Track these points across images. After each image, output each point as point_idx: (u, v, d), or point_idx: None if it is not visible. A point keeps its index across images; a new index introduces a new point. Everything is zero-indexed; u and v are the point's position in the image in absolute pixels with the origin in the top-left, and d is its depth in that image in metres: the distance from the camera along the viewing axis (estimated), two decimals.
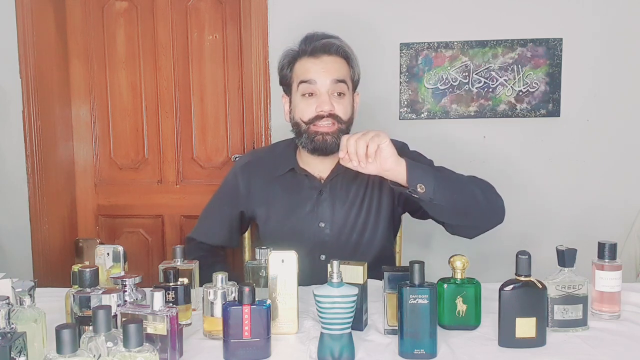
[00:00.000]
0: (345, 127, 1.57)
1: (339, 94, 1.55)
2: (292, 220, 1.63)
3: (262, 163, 1.71)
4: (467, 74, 2.26)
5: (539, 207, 2.30)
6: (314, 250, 1.60)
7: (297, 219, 1.63)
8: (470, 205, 1.46)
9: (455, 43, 2.25)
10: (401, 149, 1.69)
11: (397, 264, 1.82)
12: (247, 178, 1.69)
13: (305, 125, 1.56)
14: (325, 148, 1.55)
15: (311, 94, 1.55)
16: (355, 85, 1.63)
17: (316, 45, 1.56)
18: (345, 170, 1.61)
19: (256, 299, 1.08)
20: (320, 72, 1.54)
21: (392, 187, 1.42)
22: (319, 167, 1.63)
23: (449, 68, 2.26)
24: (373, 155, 1.34)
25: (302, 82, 1.56)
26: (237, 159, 1.88)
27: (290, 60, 1.60)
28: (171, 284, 1.24)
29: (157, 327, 1.03)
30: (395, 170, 1.37)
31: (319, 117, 1.54)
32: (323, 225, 1.62)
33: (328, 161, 1.62)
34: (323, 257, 1.60)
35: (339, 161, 1.61)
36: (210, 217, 1.76)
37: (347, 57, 1.58)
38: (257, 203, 1.68)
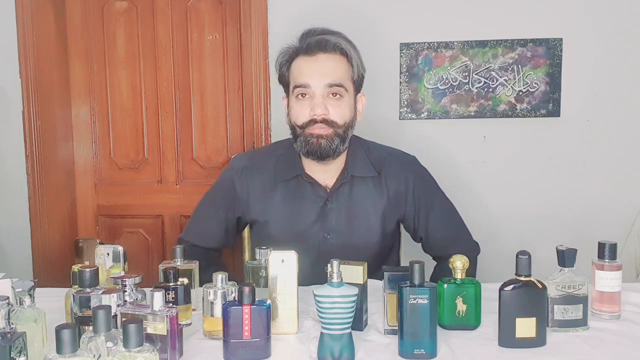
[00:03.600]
0: (343, 131, 1.50)
1: (334, 95, 1.48)
2: (295, 230, 1.57)
3: (262, 167, 1.63)
4: (467, 74, 2.26)
5: (539, 207, 2.29)
6: (318, 261, 1.52)
7: (301, 229, 1.57)
8: None
9: (455, 43, 2.25)
10: (411, 163, 1.66)
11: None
12: (245, 183, 1.62)
13: (300, 129, 1.51)
14: (320, 152, 1.49)
15: (305, 95, 1.49)
16: (358, 85, 1.55)
17: (311, 41, 1.49)
18: (352, 178, 1.57)
19: (256, 299, 1.08)
20: (314, 74, 1.48)
21: None
22: (323, 174, 1.57)
23: (449, 68, 2.26)
24: None
25: (296, 86, 1.50)
26: (234, 157, 1.82)
27: (287, 59, 1.54)
28: (171, 284, 1.24)
29: (157, 327, 1.03)
30: None
31: (312, 122, 1.48)
32: (329, 236, 1.57)
33: (332, 168, 1.57)
34: (327, 268, 1.56)
35: (343, 169, 1.58)
36: (204, 219, 1.69)
37: (345, 54, 1.50)
38: (257, 210, 1.61)
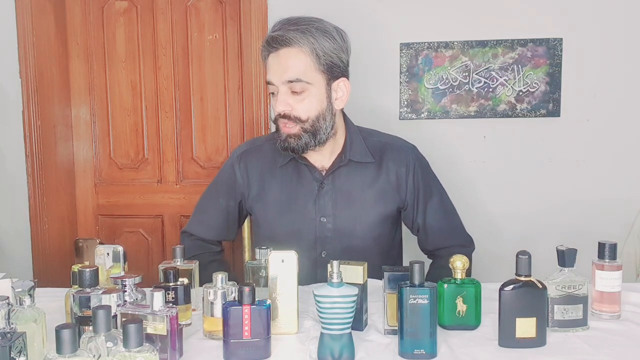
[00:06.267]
0: (310, 125, 1.49)
1: (296, 90, 1.46)
2: (292, 214, 1.58)
3: (260, 152, 1.64)
4: (467, 74, 2.26)
5: (539, 207, 2.29)
6: (314, 246, 1.56)
7: (298, 213, 1.58)
8: None
9: (455, 43, 2.25)
10: (411, 150, 1.66)
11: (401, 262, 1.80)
12: (244, 167, 1.63)
13: (275, 123, 1.53)
14: (290, 149, 1.51)
15: (274, 93, 1.51)
16: (331, 72, 1.49)
17: (270, 37, 1.47)
18: (349, 162, 1.57)
19: (256, 299, 1.08)
20: (275, 70, 1.47)
21: None
22: (319, 156, 1.58)
23: (449, 68, 2.26)
24: None
25: (266, 82, 1.53)
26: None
27: (265, 54, 1.53)
28: (171, 284, 1.24)
29: (157, 327, 1.03)
30: None
31: (279, 116, 1.50)
32: (325, 220, 1.57)
33: (326, 151, 1.57)
34: (324, 253, 1.56)
35: (341, 152, 1.58)
36: (205, 209, 1.70)
37: (304, 46, 1.45)
38: (255, 193, 1.62)
